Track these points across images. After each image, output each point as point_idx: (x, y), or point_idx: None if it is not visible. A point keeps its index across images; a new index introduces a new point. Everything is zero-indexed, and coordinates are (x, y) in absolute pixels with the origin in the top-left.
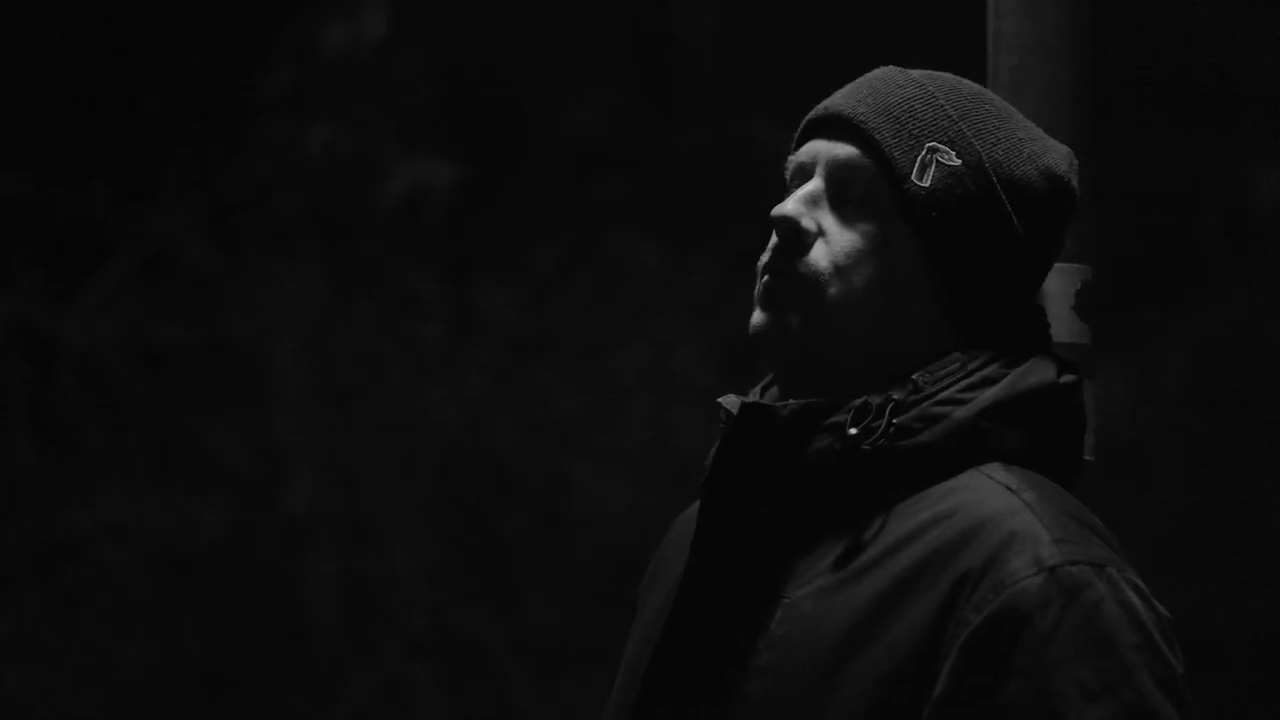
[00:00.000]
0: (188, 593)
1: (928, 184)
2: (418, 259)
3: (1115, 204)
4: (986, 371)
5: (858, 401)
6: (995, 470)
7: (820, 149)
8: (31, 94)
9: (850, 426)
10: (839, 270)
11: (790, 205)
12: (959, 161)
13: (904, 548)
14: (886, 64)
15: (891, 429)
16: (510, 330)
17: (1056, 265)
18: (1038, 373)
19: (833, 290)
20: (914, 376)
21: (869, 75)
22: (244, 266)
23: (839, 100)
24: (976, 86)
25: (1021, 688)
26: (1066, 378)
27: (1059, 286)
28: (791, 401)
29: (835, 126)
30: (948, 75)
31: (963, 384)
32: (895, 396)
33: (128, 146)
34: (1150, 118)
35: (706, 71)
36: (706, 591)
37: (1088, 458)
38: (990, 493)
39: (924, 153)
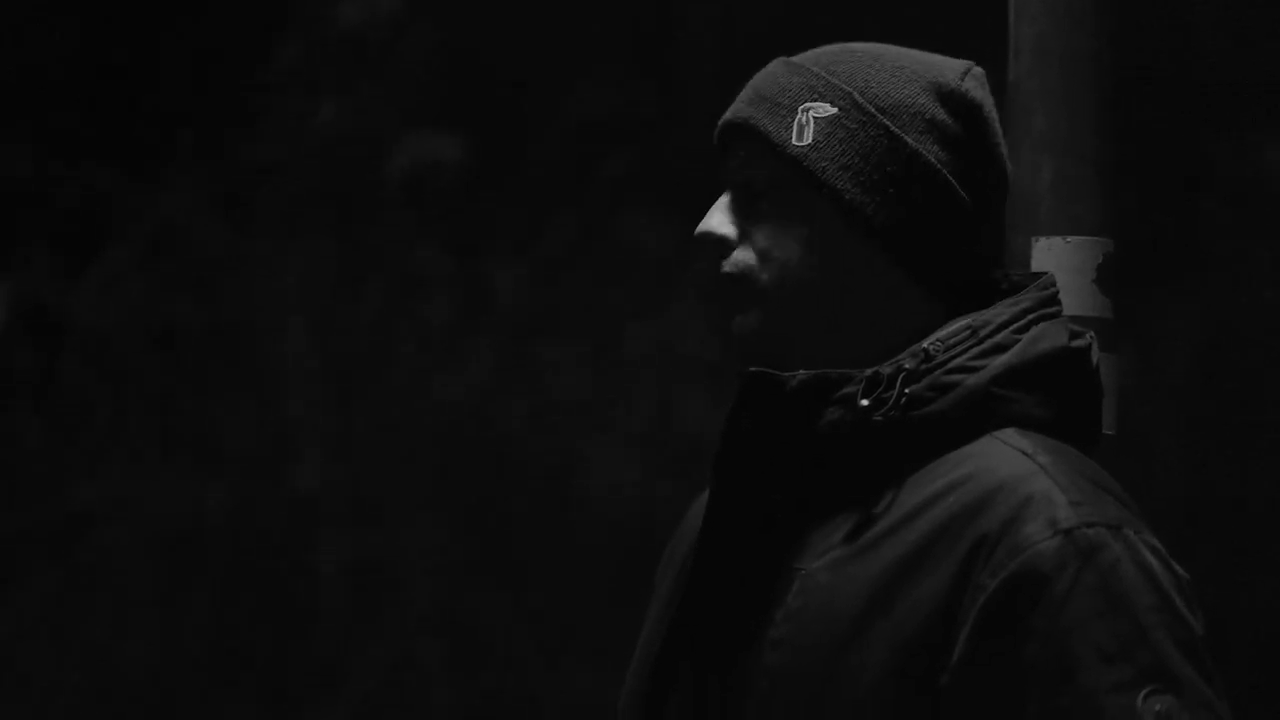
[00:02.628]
0: (194, 572)
1: (809, 137)
2: (425, 238)
3: (1127, 186)
4: (998, 338)
5: (868, 372)
6: (1010, 435)
7: (725, 166)
8: (39, 71)
9: (861, 398)
10: (766, 256)
11: (706, 222)
12: (834, 109)
13: (919, 516)
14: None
15: (903, 399)
16: (517, 310)
17: (1077, 238)
18: (1049, 338)
19: (766, 276)
20: (925, 345)
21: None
22: (251, 245)
23: (725, 114)
24: (858, 43)
25: (1039, 650)
26: (1078, 342)
27: (1080, 260)
28: (801, 372)
29: (728, 138)
30: (830, 45)
31: (974, 351)
32: (906, 366)
33: (135, 124)
34: (1151, 107)
35: (712, 50)
36: (721, 567)
37: (1108, 431)
38: (1005, 458)
39: (799, 115)
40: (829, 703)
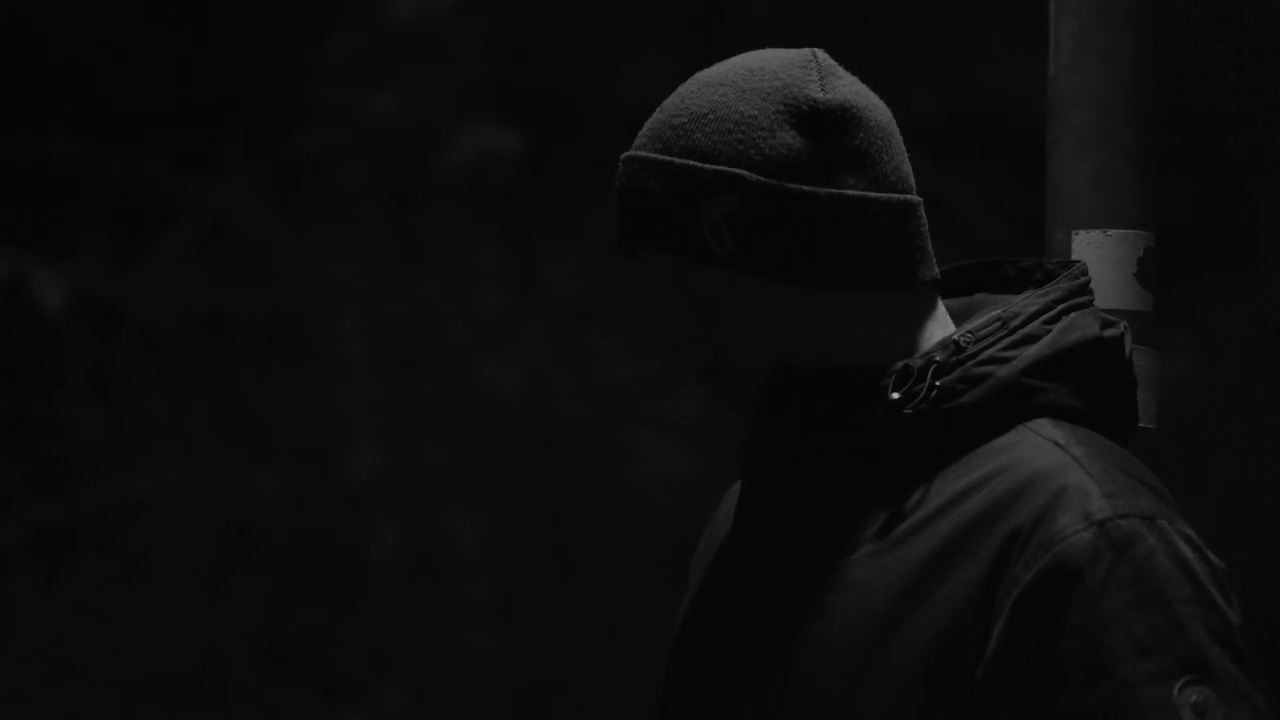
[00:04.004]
0: (248, 559)
1: (730, 240)
2: (479, 227)
3: (1177, 171)
4: (1028, 329)
5: (899, 365)
6: (1043, 426)
7: (642, 270)
8: (94, 61)
9: (893, 391)
10: (745, 346)
11: (674, 339)
12: (734, 198)
13: (953, 508)
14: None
15: (934, 392)
16: (570, 299)
17: (1117, 232)
18: (1080, 328)
19: (753, 363)
20: (955, 337)
21: (620, 180)
22: (306, 233)
23: (619, 229)
24: (690, 98)
25: (1074, 644)
26: (1110, 331)
27: (1120, 253)
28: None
29: (635, 247)
30: (667, 107)
31: (1005, 342)
32: (937, 358)
33: (190, 113)
34: (1199, 95)
35: (766, 38)
36: (753, 561)
37: (1148, 425)
38: (1038, 449)
39: (703, 220)
40: (862, 697)
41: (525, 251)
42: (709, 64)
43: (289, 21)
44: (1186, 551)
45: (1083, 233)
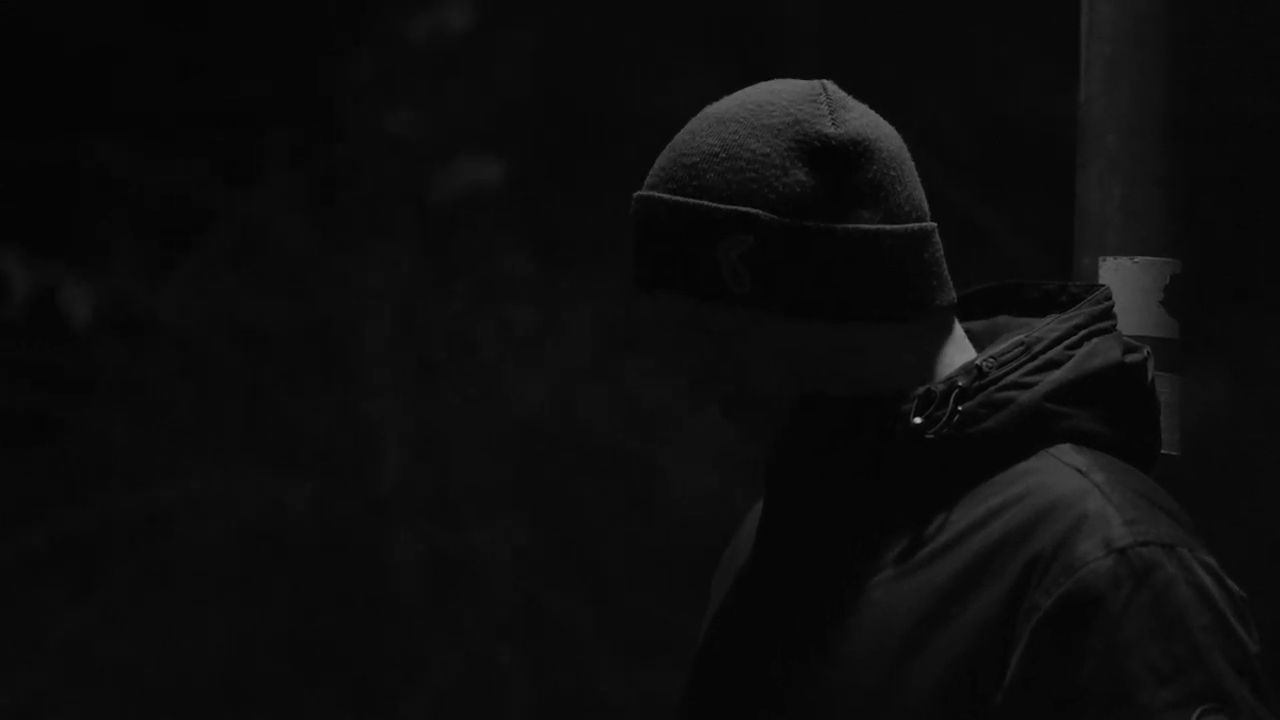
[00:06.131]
0: (275, 569)
1: (748, 280)
2: (510, 241)
3: (1212, 196)
4: (1051, 354)
5: (921, 390)
6: (1065, 452)
7: (654, 311)
8: (130, 71)
9: (915, 416)
10: (759, 379)
11: (690, 374)
12: (750, 238)
13: (974, 533)
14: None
15: (956, 417)
16: (600, 314)
17: (1144, 259)
18: (1102, 353)
19: (768, 392)
20: (978, 362)
21: (634, 219)
22: (337, 245)
23: (634, 268)
24: (699, 136)
25: (1093, 670)
26: (1132, 357)
27: (1148, 280)
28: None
29: (651, 288)
30: (677, 145)
31: (1027, 368)
32: (960, 383)
33: (224, 124)
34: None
35: (804, 59)
36: (773, 583)
37: (1173, 452)
38: (1060, 475)
39: (720, 260)
40: (881, 719)
41: (556, 265)
42: (743, 79)
43: (324, 34)
44: (1206, 580)
45: (1110, 259)
